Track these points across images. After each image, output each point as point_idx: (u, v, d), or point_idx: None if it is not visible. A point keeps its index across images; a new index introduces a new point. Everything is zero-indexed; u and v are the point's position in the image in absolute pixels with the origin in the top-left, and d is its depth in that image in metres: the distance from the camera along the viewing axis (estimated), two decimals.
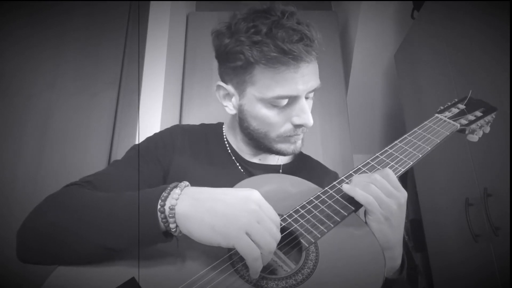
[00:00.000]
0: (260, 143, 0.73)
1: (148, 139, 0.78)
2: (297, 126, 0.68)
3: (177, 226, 0.48)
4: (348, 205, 0.58)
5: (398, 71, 2.10)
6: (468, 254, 1.38)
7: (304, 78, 0.65)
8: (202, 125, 0.86)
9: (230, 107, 0.74)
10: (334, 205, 0.58)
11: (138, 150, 0.75)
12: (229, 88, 0.71)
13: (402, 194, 0.56)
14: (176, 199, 0.49)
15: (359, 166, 0.65)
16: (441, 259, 1.60)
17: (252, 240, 0.46)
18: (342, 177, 0.63)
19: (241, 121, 0.73)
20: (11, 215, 1.23)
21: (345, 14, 2.29)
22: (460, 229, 1.41)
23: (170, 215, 0.48)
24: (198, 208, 0.48)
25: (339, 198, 0.59)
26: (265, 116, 0.68)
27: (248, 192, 0.50)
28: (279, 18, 0.64)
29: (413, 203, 2.15)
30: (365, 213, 0.57)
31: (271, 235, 0.47)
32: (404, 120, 2.03)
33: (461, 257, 1.42)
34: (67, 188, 0.61)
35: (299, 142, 0.72)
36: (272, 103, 0.66)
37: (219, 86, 0.73)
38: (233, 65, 0.67)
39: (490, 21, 1.32)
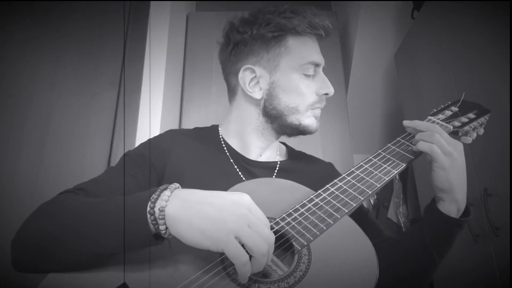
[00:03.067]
0: (286, 123, 0.77)
1: (142, 145, 0.78)
2: (320, 97, 0.77)
3: (167, 228, 0.48)
4: (341, 207, 0.58)
5: (398, 71, 2.10)
6: (468, 254, 1.38)
7: (320, 52, 0.78)
8: (196, 129, 0.87)
9: (256, 91, 0.77)
10: (327, 208, 0.58)
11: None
12: (258, 69, 0.76)
13: (458, 143, 0.65)
14: (166, 201, 0.49)
15: (356, 166, 0.66)
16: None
17: (243, 244, 0.46)
18: (336, 180, 0.64)
19: (268, 102, 0.76)
20: (11, 215, 1.23)
21: (345, 14, 2.30)
22: None
23: (160, 216, 0.48)
24: (187, 210, 0.48)
25: (332, 201, 0.60)
26: (299, 87, 0.75)
27: (238, 196, 0.50)
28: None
29: (413, 203, 2.15)
30: (430, 161, 0.64)
31: (263, 237, 0.47)
32: (404, 120, 2.03)
33: (461, 257, 1.42)
34: (60, 196, 0.61)
35: (318, 121, 0.79)
36: (305, 71, 0.75)
37: (247, 69, 0.76)
38: (267, 38, 0.74)
39: (490, 21, 1.32)
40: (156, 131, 1.47)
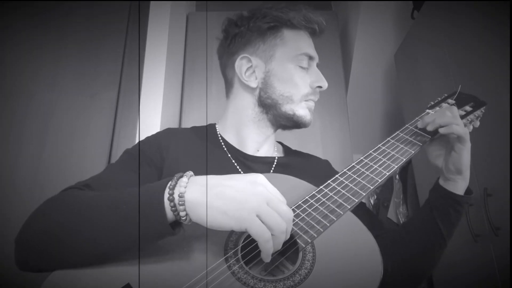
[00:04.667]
0: (280, 112, 0.78)
1: (141, 142, 0.78)
2: (314, 90, 0.79)
3: (187, 214, 0.49)
4: (344, 203, 0.58)
5: (398, 71, 2.10)
6: (468, 254, 1.38)
7: (313, 47, 0.81)
8: (194, 127, 0.87)
9: (252, 80, 0.79)
10: (330, 204, 0.58)
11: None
12: (254, 59, 0.78)
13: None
14: (185, 187, 0.49)
15: (357, 161, 0.66)
16: (441, 259, 1.60)
17: (263, 222, 0.47)
18: (337, 176, 0.63)
19: (264, 91, 0.78)
20: (11, 215, 1.23)
21: (345, 14, 2.29)
22: (460, 229, 1.41)
23: (180, 202, 0.48)
24: (207, 193, 0.48)
25: (334, 196, 0.60)
26: (293, 77, 0.77)
27: (254, 176, 0.51)
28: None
29: (413, 203, 2.15)
30: (454, 145, 0.67)
31: (282, 214, 0.48)
32: (404, 120, 2.03)
33: (461, 257, 1.42)
34: (65, 192, 0.60)
35: (311, 114, 0.80)
36: (300, 62, 0.77)
37: (243, 58, 0.79)
38: (263, 29, 0.77)
39: (490, 21, 1.31)
40: (156, 131, 1.47)
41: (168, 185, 0.49)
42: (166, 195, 0.49)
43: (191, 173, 0.52)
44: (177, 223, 0.51)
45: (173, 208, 0.48)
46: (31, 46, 1.52)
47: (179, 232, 0.51)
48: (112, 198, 0.53)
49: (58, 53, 1.54)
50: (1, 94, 1.45)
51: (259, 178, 0.51)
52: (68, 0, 1.60)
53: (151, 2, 1.65)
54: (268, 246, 0.46)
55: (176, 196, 0.48)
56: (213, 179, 0.51)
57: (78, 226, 0.51)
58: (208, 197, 0.48)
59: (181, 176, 0.51)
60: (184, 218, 0.49)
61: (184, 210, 0.48)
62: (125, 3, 1.63)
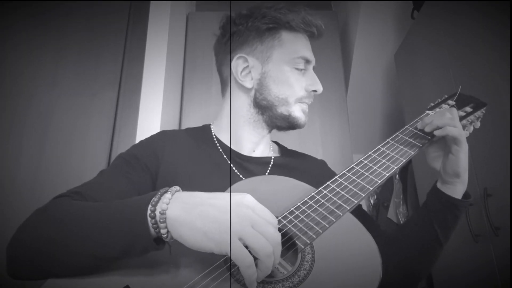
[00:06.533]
0: (276, 113, 0.78)
1: (135, 146, 0.78)
2: (309, 93, 0.79)
3: (168, 231, 0.47)
4: (343, 204, 0.58)
5: (398, 71, 2.10)
6: (468, 254, 1.38)
7: (311, 51, 0.80)
8: (188, 129, 0.87)
9: (248, 80, 0.78)
10: (329, 205, 0.58)
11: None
12: (251, 59, 0.78)
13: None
14: (167, 204, 0.48)
15: (356, 162, 0.66)
16: (441, 259, 1.59)
17: (247, 245, 0.45)
18: (336, 177, 0.63)
19: (259, 92, 0.78)
20: (11, 215, 1.23)
21: (345, 14, 2.29)
22: (460, 229, 1.41)
23: (161, 220, 0.47)
24: (189, 212, 0.47)
25: (333, 198, 0.60)
26: (289, 79, 0.77)
27: (240, 196, 0.49)
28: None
29: (413, 203, 2.15)
30: (451, 147, 0.65)
31: (268, 237, 0.46)
32: (404, 120, 2.03)
33: (461, 257, 1.42)
34: (55, 200, 0.60)
35: (306, 116, 0.80)
36: (296, 65, 0.77)
37: (240, 57, 0.78)
38: (261, 30, 0.77)
39: (490, 21, 1.32)
40: (156, 131, 1.47)
41: (151, 201, 0.48)
42: (148, 212, 0.47)
43: (177, 188, 0.51)
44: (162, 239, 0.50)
45: (154, 226, 0.47)
46: (31, 46, 1.52)
47: (164, 247, 0.50)
48: (99, 210, 0.52)
49: (58, 53, 1.54)
50: (1, 94, 1.45)
51: (246, 199, 0.48)
52: (68, 0, 1.60)
53: (151, 2, 1.65)
54: (250, 272, 0.44)
55: (157, 213, 0.47)
56: (197, 197, 0.49)
57: (66, 237, 0.51)
58: (190, 217, 0.46)
59: (166, 192, 0.50)
60: (165, 235, 0.47)
61: (166, 227, 0.47)
62: (125, 3, 1.63)
